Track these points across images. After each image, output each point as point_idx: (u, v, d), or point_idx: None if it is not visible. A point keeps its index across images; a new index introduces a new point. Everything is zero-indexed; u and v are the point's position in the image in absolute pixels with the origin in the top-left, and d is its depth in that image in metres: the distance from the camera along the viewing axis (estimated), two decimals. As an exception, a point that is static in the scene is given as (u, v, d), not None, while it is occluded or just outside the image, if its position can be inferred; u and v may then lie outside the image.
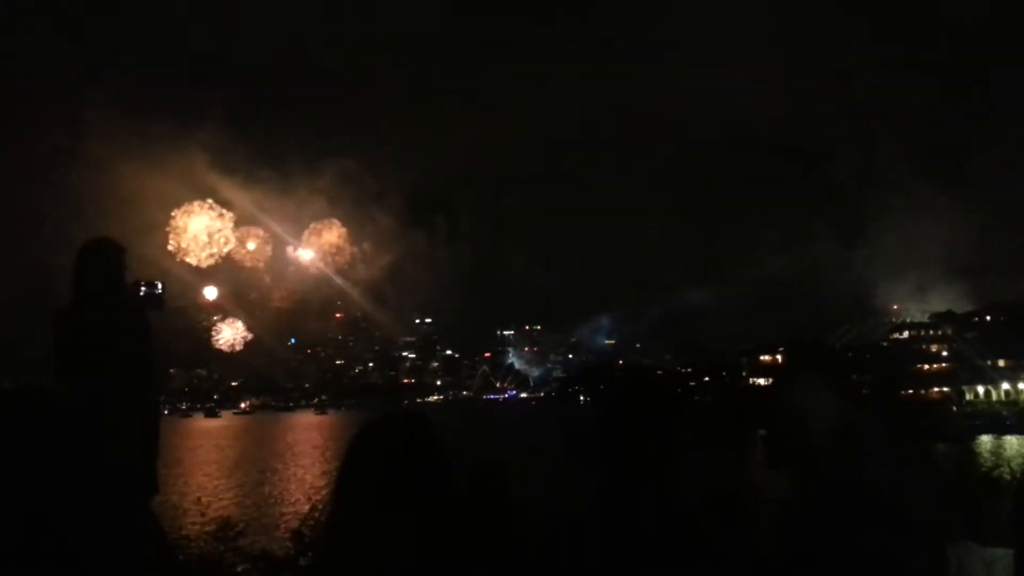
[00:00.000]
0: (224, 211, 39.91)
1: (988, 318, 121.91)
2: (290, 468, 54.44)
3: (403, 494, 2.02)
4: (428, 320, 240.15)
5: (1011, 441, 61.60)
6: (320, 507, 7.89)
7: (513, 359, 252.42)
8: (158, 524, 4.04)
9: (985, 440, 60.89)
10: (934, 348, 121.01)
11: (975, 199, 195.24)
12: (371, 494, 2.02)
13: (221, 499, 32.20)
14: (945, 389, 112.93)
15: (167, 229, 38.26)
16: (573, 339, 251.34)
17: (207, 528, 8.04)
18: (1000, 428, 74.43)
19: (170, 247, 37.98)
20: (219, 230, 39.22)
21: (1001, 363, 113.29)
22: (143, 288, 4.49)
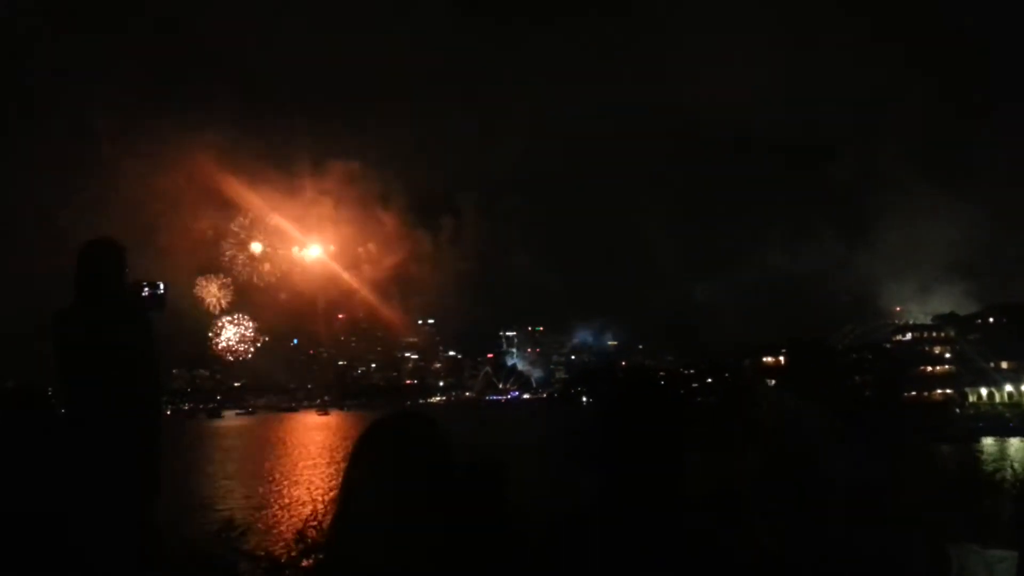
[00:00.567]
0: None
1: (991, 320, 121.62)
2: (293, 469, 54.47)
3: (411, 493, 2.02)
4: (431, 321, 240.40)
5: (1014, 443, 61.55)
6: (323, 508, 7.89)
7: (515, 360, 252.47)
8: (155, 524, 4.04)
9: (988, 442, 60.79)
10: (937, 350, 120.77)
11: (978, 199, 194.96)
12: (379, 493, 2.02)
13: (223, 500, 32.24)
14: (948, 391, 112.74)
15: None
16: (575, 340, 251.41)
17: (209, 529, 8.02)
18: (1003, 430, 74.25)
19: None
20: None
21: (1004, 365, 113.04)
22: (145, 288, 4.49)
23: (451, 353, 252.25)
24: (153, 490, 4.15)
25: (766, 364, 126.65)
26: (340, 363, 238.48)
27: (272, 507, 33.15)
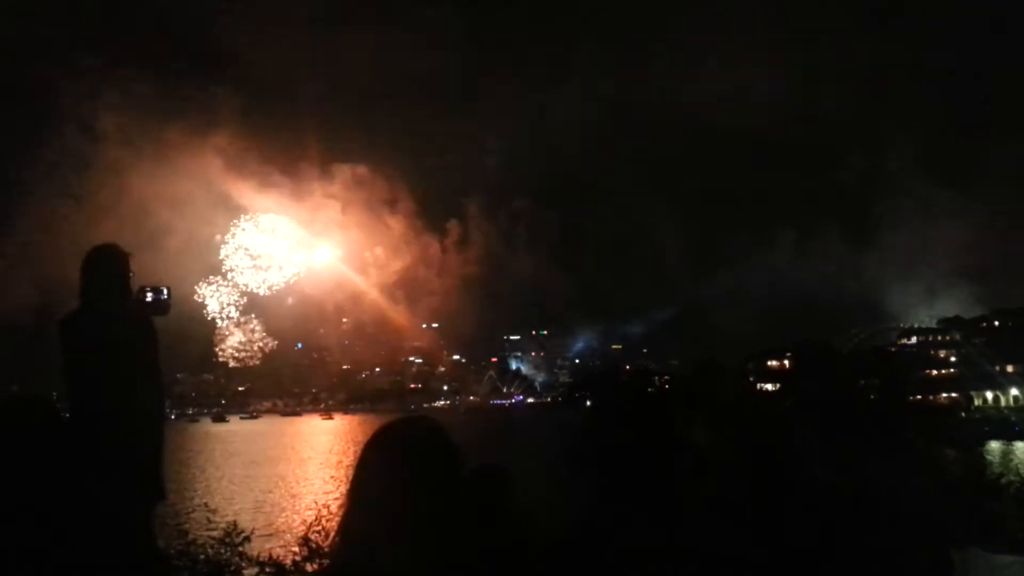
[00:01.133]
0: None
1: (997, 323, 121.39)
2: (297, 473, 54.48)
3: (418, 499, 2.02)
4: (435, 325, 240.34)
5: (1020, 447, 61.25)
6: (327, 513, 7.88)
7: (520, 364, 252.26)
8: (152, 529, 4.06)
9: (994, 446, 60.52)
10: (943, 353, 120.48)
11: (984, 203, 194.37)
12: (386, 499, 2.02)
13: (228, 504, 32.22)
14: (954, 395, 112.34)
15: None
16: (580, 344, 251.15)
17: (214, 533, 8.03)
18: (1009, 434, 73.83)
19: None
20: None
21: (1010, 368, 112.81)
22: (149, 293, 4.50)
23: (455, 357, 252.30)
24: (158, 494, 4.17)
25: (771, 368, 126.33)
26: (344, 367, 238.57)
27: (276, 511, 33.15)
